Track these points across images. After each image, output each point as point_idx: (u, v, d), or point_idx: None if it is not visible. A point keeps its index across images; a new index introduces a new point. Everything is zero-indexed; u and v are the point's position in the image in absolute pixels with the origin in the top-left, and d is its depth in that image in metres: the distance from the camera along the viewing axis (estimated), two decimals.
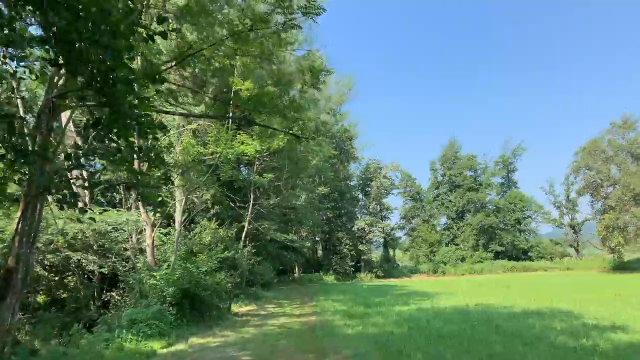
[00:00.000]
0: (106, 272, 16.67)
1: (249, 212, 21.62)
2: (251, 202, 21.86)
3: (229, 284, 17.26)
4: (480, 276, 51.49)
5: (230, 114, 15.38)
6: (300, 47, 19.25)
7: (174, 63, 10.06)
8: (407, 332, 11.90)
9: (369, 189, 58.93)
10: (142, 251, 18.19)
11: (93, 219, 7.42)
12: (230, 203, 21.74)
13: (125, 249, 17.75)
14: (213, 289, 15.49)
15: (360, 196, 60.39)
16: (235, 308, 20.02)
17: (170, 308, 13.87)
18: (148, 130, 5.48)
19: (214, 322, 15.00)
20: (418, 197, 66.67)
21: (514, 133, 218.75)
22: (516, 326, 12.26)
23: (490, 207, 63.70)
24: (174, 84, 13.63)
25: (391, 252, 61.58)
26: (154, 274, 14.07)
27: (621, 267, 48.11)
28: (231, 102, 13.94)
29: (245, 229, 21.61)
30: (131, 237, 18.71)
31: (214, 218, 20.26)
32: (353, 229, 54.19)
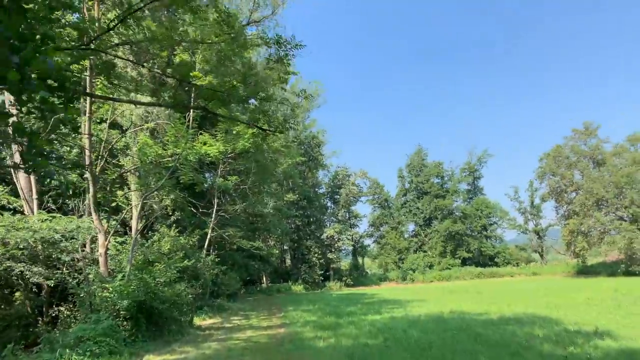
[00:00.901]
0: (52, 285, 15.18)
1: (213, 219, 20.40)
2: (215, 207, 20.64)
3: (190, 296, 16.05)
4: (449, 283, 51.55)
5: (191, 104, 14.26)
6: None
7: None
8: (383, 344, 11.07)
9: (338, 197, 58.38)
10: (96, 261, 16.77)
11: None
12: (192, 209, 20.49)
13: (77, 260, 16.29)
14: (172, 302, 14.28)
15: (329, 204, 59.73)
16: (198, 321, 18.76)
17: (125, 323, 12.61)
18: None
19: (174, 337, 13.78)
20: (386, 204, 66.48)
21: (479, 140, 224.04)
22: (497, 334, 11.63)
23: (457, 213, 64.08)
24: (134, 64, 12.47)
25: (360, 260, 61.05)
26: (106, 285, 12.76)
27: (584, 271, 49.02)
28: (192, 94, 12.91)
29: (209, 237, 20.36)
30: (84, 247, 17.25)
31: (175, 225, 18.99)
32: (322, 237, 53.40)
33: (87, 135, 14.48)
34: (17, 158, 18.46)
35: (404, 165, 69.77)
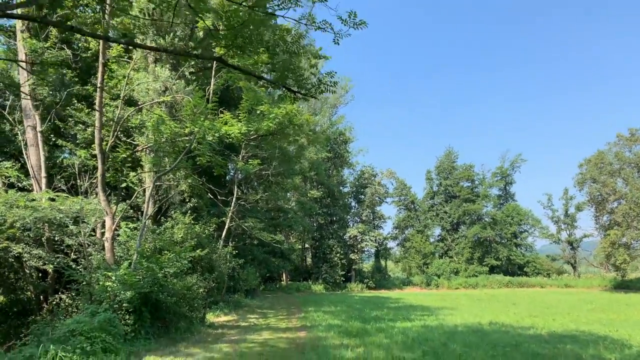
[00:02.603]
0: (52, 270, 13.96)
1: (232, 206, 18.90)
2: (235, 195, 19.14)
3: (202, 290, 14.59)
4: (476, 290, 49.22)
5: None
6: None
7: None
8: (422, 359, 9.34)
9: (363, 196, 56.50)
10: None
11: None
12: (211, 196, 19.03)
13: (86, 245, 15.05)
14: (182, 295, 12.82)
15: (352, 203, 57.90)
16: (211, 318, 17.33)
17: (127, 316, 11.18)
18: None
19: (181, 335, 12.31)
20: (413, 206, 64.25)
21: (513, 145, 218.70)
22: (558, 355, 9.75)
23: (487, 219, 61.43)
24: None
25: (383, 262, 59.03)
26: (109, 274, 11.36)
27: (623, 285, 46.02)
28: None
29: (227, 226, 18.87)
30: (94, 231, 16.02)
31: (190, 212, 17.60)
32: (345, 236, 51.67)
33: (97, 108, 13.14)
34: (30, 134, 17.42)
35: (433, 167, 67.35)
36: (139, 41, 16.06)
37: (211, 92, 13.30)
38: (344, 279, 49.39)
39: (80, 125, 18.34)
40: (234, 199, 18.98)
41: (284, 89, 7.14)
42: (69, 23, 7.78)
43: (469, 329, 14.57)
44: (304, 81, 7.32)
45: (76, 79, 17.69)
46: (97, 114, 13.18)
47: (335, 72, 7.38)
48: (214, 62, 12.26)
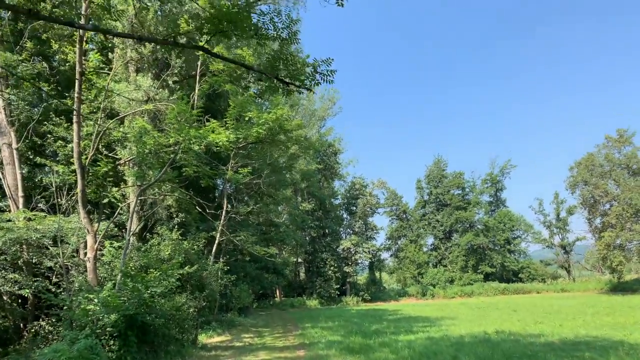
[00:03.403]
0: (30, 295, 13.01)
1: (222, 220, 18.04)
2: (225, 207, 18.29)
3: (192, 309, 13.70)
4: (472, 299, 48.59)
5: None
6: None
7: None
8: None
9: (354, 208, 55.88)
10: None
11: None
12: (199, 210, 18.12)
13: (69, 267, 14.13)
14: (170, 316, 11.96)
15: (344, 215, 57.16)
16: (204, 339, 16.40)
17: (112, 342, 10.28)
18: None
19: (172, 359, 11.42)
20: (405, 216, 63.67)
21: (502, 151, 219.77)
22: None
23: (479, 226, 60.98)
24: None
25: (377, 274, 58.21)
26: (91, 296, 10.48)
27: (620, 288, 45.70)
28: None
29: (217, 241, 17.98)
30: (77, 252, 15.10)
31: (177, 228, 16.68)
32: (338, 249, 50.84)
33: (75, 120, 12.37)
34: (6, 152, 16.54)
35: (423, 176, 66.99)
36: (117, 51, 15.37)
37: (196, 97, 12.60)
38: (338, 293, 48.46)
39: (60, 142, 17.49)
40: (223, 212, 18.13)
41: (275, 82, 6.50)
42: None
43: (475, 339, 13.85)
44: (297, 72, 6.66)
45: (54, 93, 16.88)
46: (75, 126, 12.39)
47: (333, 59, 6.74)
48: (199, 62, 11.61)
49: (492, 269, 58.08)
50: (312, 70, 6.78)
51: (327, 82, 6.91)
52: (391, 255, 64.39)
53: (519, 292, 53.58)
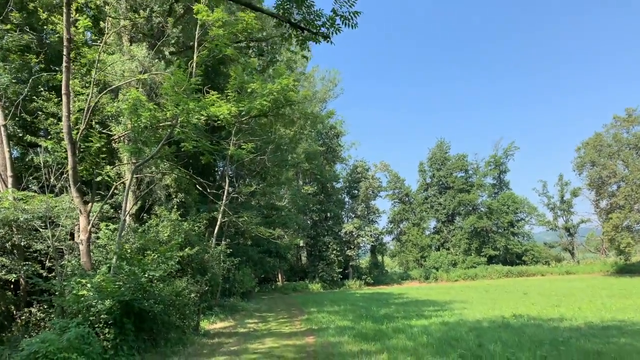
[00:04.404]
0: (22, 280, 12.14)
1: (224, 199, 17.10)
2: (227, 186, 17.31)
3: (194, 294, 12.86)
4: (476, 282, 48.07)
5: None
6: None
7: None
8: None
9: (357, 191, 55.05)
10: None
11: None
12: (199, 188, 17.11)
13: (53, 249, 13.26)
14: (170, 302, 11.13)
15: (346, 199, 56.34)
16: (206, 325, 15.63)
17: (107, 330, 9.45)
18: None
19: (172, 348, 10.61)
20: (407, 199, 62.85)
21: (505, 133, 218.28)
22: (620, 350, 8.26)
23: (483, 209, 60.20)
24: None
25: (379, 257, 57.62)
26: (83, 281, 9.62)
27: (626, 270, 45.06)
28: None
29: (219, 223, 17.08)
30: (71, 235, 14.23)
31: (177, 208, 15.75)
32: (340, 233, 50.12)
33: (64, 91, 11.38)
34: None
35: (425, 159, 66.02)
36: (109, 20, 14.31)
37: (194, 65, 11.58)
38: (341, 277, 47.93)
39: (52, 119, 16.48)
40: (225, 192, 17.17)
41: (288, 28, 5.58)
42: None
43: (494, 324, 13.08)
44: (313, 15, 5.70)
45: (42, 66, 15.83)
46: (64, 98, 11.39)
47: (355, 0, 5.75)
48: (197, 29, 10.56)
49: (495, 251, 57.54)
50: (332, 13, 5.81)
51: (349, 26, 5.94)
52: (393, 239, 63.82)
53: (523, 275, 53.11)
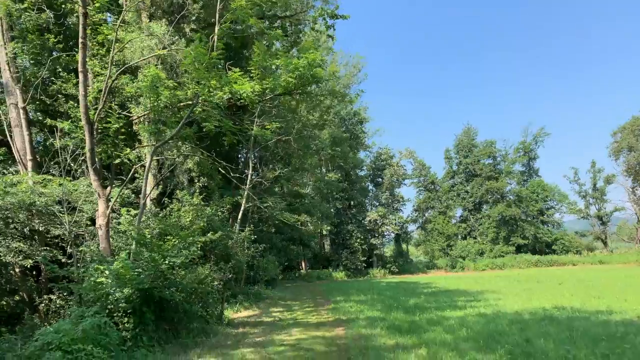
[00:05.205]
0: (28, 266, 11.70)
1: (247, 184, 16.49)
2: (250, 170, 16.69)
3: (217, 282, 12.30)
4: (504, 271, 46.73)
5: None
6: None
7: None
8: None
9: (381, 179, 54.09)
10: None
11: None
12: (222, 172, 16.47)
13: (71, 234, 12.86)
14: (192, 290, 10.58)
15: (370, 187, 55.41)
16: (230, 314, 15.12)
17: (126, 319, 8.95)
18: None
19: (194, 338, 10.06)
20: (433, 187, 61.52)
21: (536, 118, 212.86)
22: None
23: (511, 197, 58.48)
24: None
25: (404, 246, 56.66)
26: (100, 267, 9.12)
27: None
28: None
29: (243, 208, 16.48)
30: (92, 221, 13.83)
31: (199, 192, 15.18)
32: (364, 221, 49.31)
33: (80, 69, 10.84)
34: (13, 112, 15.29)
35: (452, 146, 64.40)
36: None
37: (216, 38, 10.86)
38: (365, 265, 47.28)
39: (71, 102, 16.08)
40: (249, 175, 16.51)
41: None
42: None
43: (535, 316, 12.16)
44: None
45: (61, 47, 15.37)
46: (80, 76, 10.87)
47: None
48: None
49: (524, 240, 55.97)
50: None
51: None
52: (418, 227, 62.74)
53: (554, 264, 51.52)
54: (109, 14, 14.79)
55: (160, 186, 16.16)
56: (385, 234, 52.69)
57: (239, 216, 16.55)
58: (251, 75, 12.10)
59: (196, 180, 16.93)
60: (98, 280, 9.05)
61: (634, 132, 41.39)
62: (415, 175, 60.73)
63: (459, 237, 59.60)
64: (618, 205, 56.70)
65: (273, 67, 11.94)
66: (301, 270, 44.47)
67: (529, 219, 57.95)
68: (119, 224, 13.65)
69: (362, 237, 46.83)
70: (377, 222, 49.55)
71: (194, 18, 14.72)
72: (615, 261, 49.56)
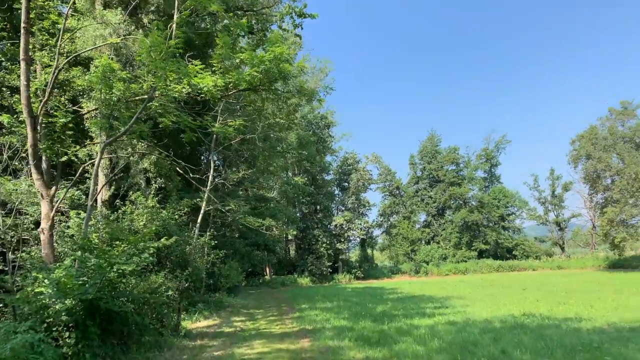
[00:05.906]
0: None
1: (208, 185, 15.56)
2: (211, 170, 15.75)
3: (171, 292, 11.40)
4: (467, 276, 47.33)
5: None
6: None
7: None
8: None
9: (347, 184, 53.82)
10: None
11: None
12: (179, 171, 15.47)
13: (4, 239, 11.72)
14: (144, 300, 9.68)
15: (336, 191, 55.03)
16: (188, 324, 14.16)
17: (67, 334, 7.99)
18: None
19: (146, 353, 9.17)
20: (398, 192, 61.74)
21: (498, 126, 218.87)
22: None
23: (473, 202, 59.39)
24: None
25: (369, 251, 56.48)
26: (39, 275, 8.14)
27: (618, 265, 44.52)
28: None
29: (203, 211, 15.55)
30: (37, 224, 12.67)
31: (155, 194, 14.18)
32: (330, 226, 48.83)
33: (22, 56, 9.83)
34: None
35: (416, 152, 64.98)
36: None
37: (174, 27, 10.03)
38: (330, 270, 46.75)
39: (17, 96, 14.82)
40: (210, 176, 15.58)
41: None
42: None
43: (506, 324, 11.86)
44: None
45: (4, 34, 14.15)
46: (22, 64, 9.84)
47: None
48: None
49: (486, 245, 56.92)
50: None
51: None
52: (383, 232, 62.78)
53: (515, 269, 52.70)
54: (59, 1, 13.66)
55: (113, 187, 15.08)
56: (351, 238, 52.34)
57: (199, 220, 15.62)
58: (214, 69, 11.34)
59: (153, 182, 15.89)
60: (37, 290, 8.06)
61: (591, 140, 42.55)
62: (381, 180, 60.77)
63: (423, 242, 60.02)
64: (575, 211, 58.51)
65: (237, 61, 11.18)
66: (265, 277, 43.50)
67: (491, 224, 59.00)
68: (68, 227, 12.59)
69: (327, 242, 46.28)
70: (343, 226, 49.17)
71: (152, 8, 13.81)
72: (572, 266, 50.92)
